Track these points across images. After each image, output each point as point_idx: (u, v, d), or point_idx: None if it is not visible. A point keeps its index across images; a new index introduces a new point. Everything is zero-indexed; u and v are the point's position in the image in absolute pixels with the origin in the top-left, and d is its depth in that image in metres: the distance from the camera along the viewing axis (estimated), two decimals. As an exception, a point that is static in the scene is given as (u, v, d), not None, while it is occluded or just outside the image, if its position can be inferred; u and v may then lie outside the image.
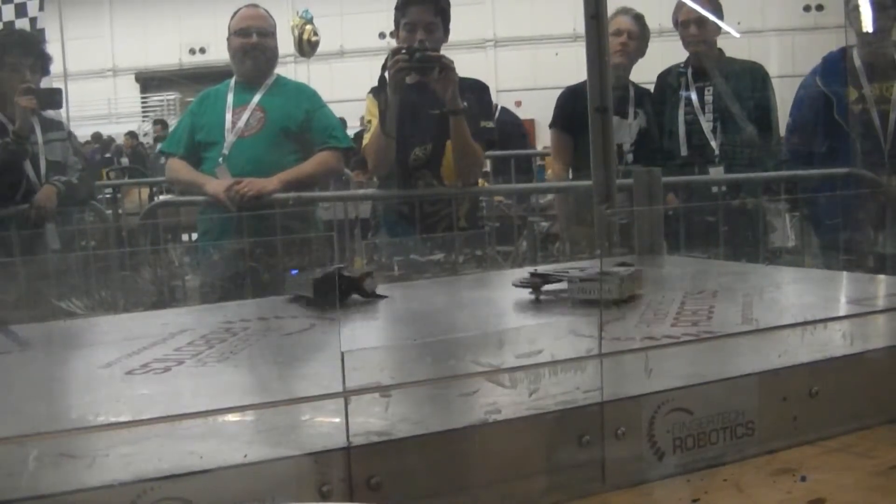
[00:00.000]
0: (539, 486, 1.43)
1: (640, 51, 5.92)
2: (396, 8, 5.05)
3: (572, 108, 5.59)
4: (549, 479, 1.44)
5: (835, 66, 5.61)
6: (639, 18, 5.91)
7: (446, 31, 5.05)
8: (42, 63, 5.58)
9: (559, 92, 6.01)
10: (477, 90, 5.16)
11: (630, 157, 5.73)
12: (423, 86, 4.85)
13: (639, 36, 5.86)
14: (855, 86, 5.46)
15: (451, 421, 1.42)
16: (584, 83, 3.70)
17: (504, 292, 2.55)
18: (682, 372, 1.62)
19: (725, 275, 3.09)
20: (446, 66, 4.70)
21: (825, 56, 5.73)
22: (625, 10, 5.94)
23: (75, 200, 5.62)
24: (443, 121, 4.83)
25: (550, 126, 5.97)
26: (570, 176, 5.87)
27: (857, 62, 5.49)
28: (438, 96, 4.76)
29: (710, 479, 1.49)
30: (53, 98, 5.51)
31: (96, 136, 19.42)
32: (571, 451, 1.45)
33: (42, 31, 10.38)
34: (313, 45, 15.16)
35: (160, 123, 19.80)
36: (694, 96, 5.78)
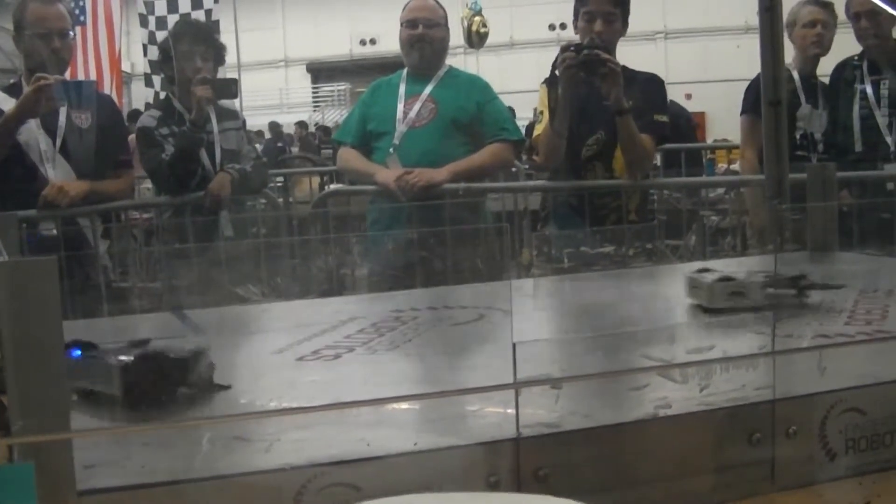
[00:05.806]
0: (707, 484, 1.42)
1: (832, 41, 5.82)
2: None
3: None
4: (717, 477, 1.43)
5: None
6: (829, 6, 5.78)
7: (625, 24, 5.00)
8: (217, 53, 5.70)
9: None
10: (651, 84, 5.12)
11: (821, 146, 5.64)
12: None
13: (833, 26, 5.76)
14: None
15: (620, 415, 1.42)
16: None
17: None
18: (856, 371, 1.59)
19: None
20: (611, 70, 4.65)
21: None
22: (814, 0, 5.81)
23: (249, 189, 5.73)
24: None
25: (742, 113, 5.87)
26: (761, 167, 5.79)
27: None
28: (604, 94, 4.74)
29: (884, 482, 1.47)
30: (229, 88, 5.61)
31: (273, 126, 19.76)
32: (741, 449, 1.44)
33: (217, 22, 10.70)
34: (482, 37, 15.24)
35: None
36: (869, 90, 5.64)
